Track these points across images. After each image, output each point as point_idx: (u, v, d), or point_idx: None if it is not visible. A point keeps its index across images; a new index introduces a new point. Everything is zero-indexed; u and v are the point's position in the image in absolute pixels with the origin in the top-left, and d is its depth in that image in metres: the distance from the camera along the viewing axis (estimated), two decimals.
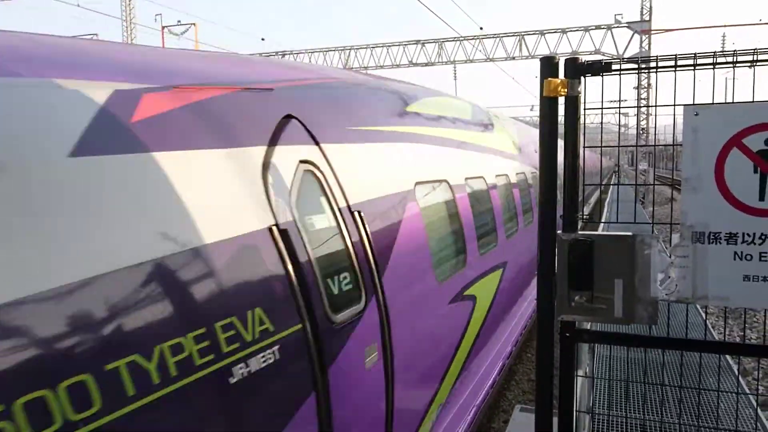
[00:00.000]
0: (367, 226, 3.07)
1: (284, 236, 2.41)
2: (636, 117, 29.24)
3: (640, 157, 34.40)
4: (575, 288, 2.25)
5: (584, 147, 2.31)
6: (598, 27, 27.30)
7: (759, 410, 3.74)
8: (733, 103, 2.11)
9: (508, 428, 4.89)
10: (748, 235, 2.10)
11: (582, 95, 2.24)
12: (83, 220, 1.74)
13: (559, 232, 2.30)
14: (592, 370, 4.30)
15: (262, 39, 36.18)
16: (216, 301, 2.04)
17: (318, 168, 2.85)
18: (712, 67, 2.10)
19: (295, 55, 32.91)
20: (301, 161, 2.75)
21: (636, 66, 2.18)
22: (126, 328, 1.72)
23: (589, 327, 3.20)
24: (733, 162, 2.09)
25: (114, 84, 2.10)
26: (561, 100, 2.26)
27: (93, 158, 1.84)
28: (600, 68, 2.20)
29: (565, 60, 2.24)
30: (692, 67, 2.12)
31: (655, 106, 2.25)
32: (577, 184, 2.28)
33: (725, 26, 27.36)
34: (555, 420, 2.50)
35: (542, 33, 28.45)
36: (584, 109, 2.25)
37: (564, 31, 28.03)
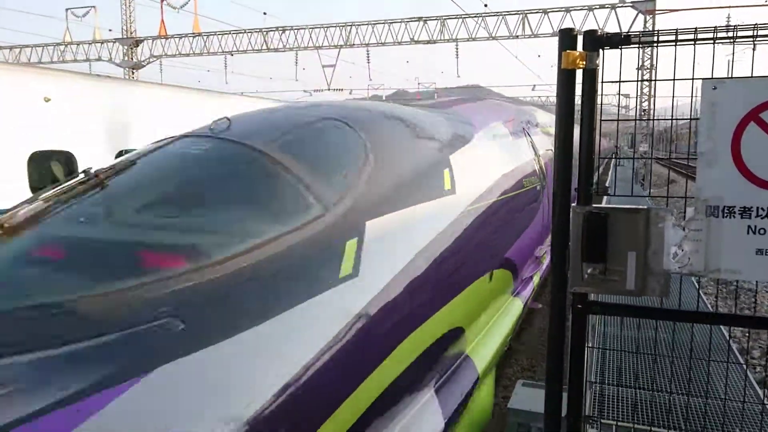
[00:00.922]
0: (542, 162, 7.27)
1: (536, 161, 6.88)
2: (638, 97, 29.08)
3: (639, 139, 34.25)
4: (588, 260, 2.28)
5: (601, 120, 2.32)
6: (602, 6, 27.00)
7: (756, 386, 3.81)
8: (751, 77, 2.11)
9: (511, 402, 4.96)
10: (762, 209, 2.12)
11: (600, 68, 2.24)
12: (524, 151, 6.78)
13: (573, 204, 2.32)
14: (594, 342, 4.35)
15: (264, 13, 35.69)
16: (531, 174, 6.38)
17: (532, 144, 7.30)
18: (732, 41, 2.10)
19: (296, 31, 32.57)
20: (530, 141, 7.31)
21: (655, 39, 2.17)
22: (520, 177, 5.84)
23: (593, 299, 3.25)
24: (750, 136, 2.10)
25: (498, 121, 6.55)
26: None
27: (517, 139, 6.85)
28: (619, 41, 2.19)
29: (584, 32, 2.23)
30: (712, 41, 2.12)
31: (674, 80, 2.25)
32: (593, 157, 2.29)
33: (730, 7, 27.13)
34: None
35: (545, 12, 28.14)
36: (602, 82, 2.25)
37: (567, 10, 27.73)
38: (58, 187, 2.93)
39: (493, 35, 28.09)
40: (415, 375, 2.94)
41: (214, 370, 1.91)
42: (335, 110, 3.84)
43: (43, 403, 1.64)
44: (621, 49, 2.22)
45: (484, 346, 4.04)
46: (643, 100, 24.99)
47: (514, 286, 5.26)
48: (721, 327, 4.31)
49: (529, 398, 5.06)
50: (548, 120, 10.21)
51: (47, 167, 7.39)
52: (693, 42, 2.13)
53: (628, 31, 2.10)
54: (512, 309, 4.92)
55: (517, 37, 27.48)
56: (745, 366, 3.49)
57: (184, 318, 2.01)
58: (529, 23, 27.66)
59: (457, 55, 31.36)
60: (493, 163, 5.22)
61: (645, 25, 25.67)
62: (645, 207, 2.23)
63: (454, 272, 3.55)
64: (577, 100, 2.31)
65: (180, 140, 3.25)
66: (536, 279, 6.01)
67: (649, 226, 2.22)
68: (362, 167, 3.18)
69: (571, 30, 2.22)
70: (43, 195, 2.83)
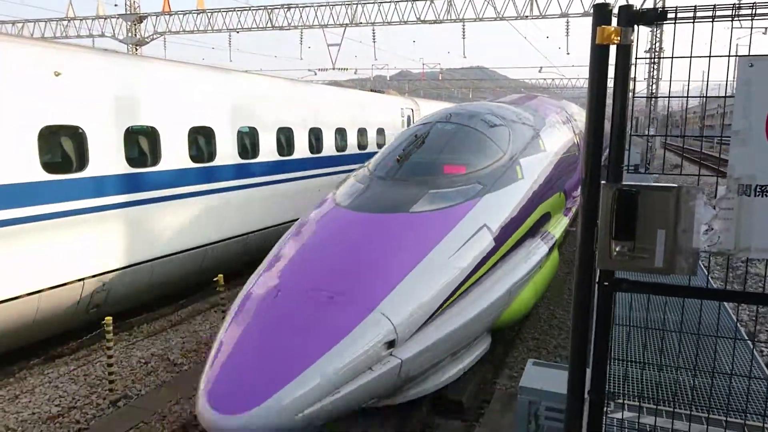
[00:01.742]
0: (579, 138, 10.89)
1: (575, 136, 10.65)
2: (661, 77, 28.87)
3: (647, 124, 33.95)
4: (617, 238, 2.27)
5: (633, 97, 2.30)
6: None
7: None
8: None
9: (522, 380, 5.00)
10: None
11: (635, 44, 2.21)
12: (569, 130, 10.92)
13: (603, 181, 2.31)
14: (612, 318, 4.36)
15: None
16: (573, 145, 10.31)
17: (572, 126, 11.27)
18: None
19: (301, 9, 32.23)
20: (571, 125, 11.34)
21: (692, 15, 2.14)
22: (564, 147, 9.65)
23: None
24: None
25: (553, 112, 11.08)
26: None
27: (564, 123, 11.03)
28: (655, 16, 2.16)
29: (620, 7, 2.20)
30: (750, 17, 2.09)
31: (709, 56, 2.22)
32: (625, 134, 2.27)
33: None
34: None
35: None
36: (636, 58, 2.22)
37: None
38: (403, 142, 7.10)
39: (501, 15, 27.76)
40: (537, 228, 7.09)
41: (498, 200, 6.17)
42: (488, 108, 8.15)
43: (454, 202, 5.82)
44: (656, 24, 2.19)
45: (554, 230, 7.96)
46: (652, 83, 24.79)
47: (564, 208, 8.98)
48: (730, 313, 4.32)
49: (539, 377, 5.10)
50: (577, 110, 15.14)
51: (57, 142, 7.40)
52: (731, 18, 2.11)
53: (664, 6, 2.07)
54: (563, 221, 8.69)
55: (526, 17, 27.15)
56: None
57: (478, 182, 6.17)
58: (537, 3, 27.31)
59: (463, 35, 31.03)
60: (558, 136, 9.43)
61: (655, 4, 25.34)
62: (676, 185, 2.22)
63: (549, 188, 7.62)
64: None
65: (437, 123, 7.38)
66: (573, 210, 9.36)
67: (680, 204, 2.21)
68: (508, 137, 7.27)
69: (606, 5, 2.19)
70: (399, 146, 7.01)
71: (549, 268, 7.41)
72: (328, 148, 13.75)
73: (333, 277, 4.66)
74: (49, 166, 7.10)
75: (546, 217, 7.49)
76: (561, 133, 9.71)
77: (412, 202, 5.61)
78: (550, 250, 7.24)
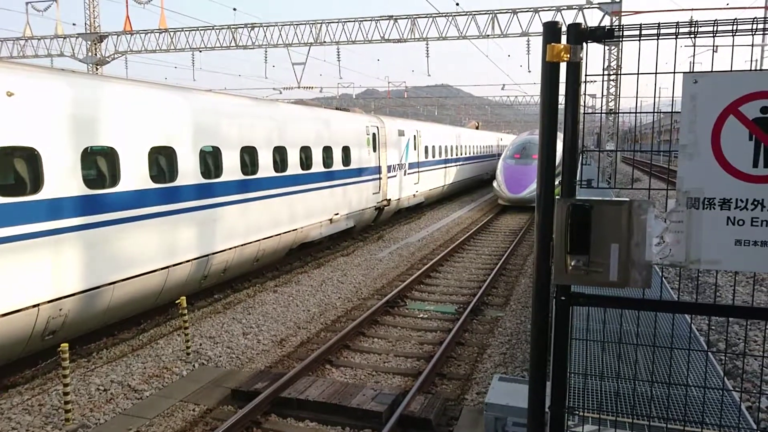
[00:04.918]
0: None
1: None
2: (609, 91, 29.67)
3: (606, 138, 34.79)
4: (572, 252, 2.29)
5: (584, 113, 2.34)
6: (569, 7, 27.38)
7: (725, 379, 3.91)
8: (731, 71, 2.15)
9: (488, 396, 5.00)
10: (741, 200, 2.16)
11: (584, 61, 2.25)
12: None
13: (557, 197, 2.33)
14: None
15: (234, 9, 35.18)
16: None
17: None
18: (712, 35, 2.14)
19: (265, 28, 32.23)
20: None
21: (638, 32, 2.20)
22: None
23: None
24: (729, 129, 2.14)
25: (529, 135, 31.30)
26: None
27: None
28: (603, 34, 2.21)
29: (569, 26, 2.24)
30: (692, 35, 2.15)
31: (655, 73, 2.28)
32: (577, 150, 2.31)
33: (693, 10, 27.75)
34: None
35: (515, 12, 28.43)
36: (585, 75, 2.27)
37: (536, 11, 28.06)
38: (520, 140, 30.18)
39: (464, 35, 28.25)
40: None
41: None
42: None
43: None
44: (604, 42, 2.24)
45: None
46: (610, 99, 25.51)
47: None
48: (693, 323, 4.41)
49: (505, 393, 5.11)
50: None
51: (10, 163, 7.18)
52: (675, 36, 2.17)
53: (611, 24, 2.11)
54: None
55: (488, 36, 27.69)
56: (724, 355, 3.57)
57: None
58: (498, 23, 27.90)
59: (427, 54, 31.44)
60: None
61: (612, 22, 26.14)
62: (628, 199, 2.26)
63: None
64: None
65: (529, 141, 28.96)
66: None
67: (632, 218, 2.24)
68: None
69: (555, 23, 2.23)
70: (517, 147, 29.29)
71: None
72: (293, 166, 13.74)
73: (523, 176, 25.81)
74: (1, 189, 6.87)
75: None
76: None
77: (531, 163, 26.24)
78: None
